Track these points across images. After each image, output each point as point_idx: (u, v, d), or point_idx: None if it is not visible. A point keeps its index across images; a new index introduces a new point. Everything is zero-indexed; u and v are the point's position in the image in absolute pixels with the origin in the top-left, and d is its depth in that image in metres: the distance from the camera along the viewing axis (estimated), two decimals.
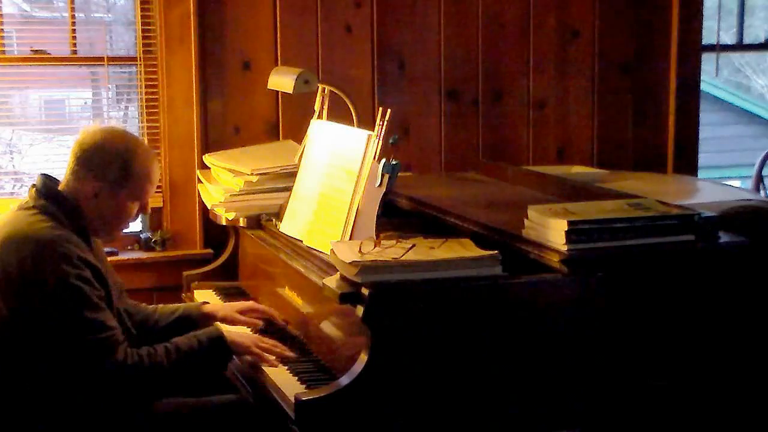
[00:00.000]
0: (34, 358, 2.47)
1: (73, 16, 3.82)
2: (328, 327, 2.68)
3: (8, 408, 2.50)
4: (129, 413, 2.56)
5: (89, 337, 2.44)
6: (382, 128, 2.73)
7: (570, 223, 2.33)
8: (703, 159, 4.69)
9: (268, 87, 3.46)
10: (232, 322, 2.89)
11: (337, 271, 2.38)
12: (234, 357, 2.68)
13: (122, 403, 2.53)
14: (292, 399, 2.27)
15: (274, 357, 2.62)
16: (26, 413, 2.50)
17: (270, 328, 2.93)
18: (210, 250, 3.85)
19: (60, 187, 2.64)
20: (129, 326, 2.69)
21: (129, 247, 3.90)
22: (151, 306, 3.02)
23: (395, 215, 2.96)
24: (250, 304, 3.01)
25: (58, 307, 2.44)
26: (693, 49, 4.46)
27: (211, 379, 2.76)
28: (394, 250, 2.37)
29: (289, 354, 2.67)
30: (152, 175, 2.70)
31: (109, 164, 2.62)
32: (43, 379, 2.48)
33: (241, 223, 3.37)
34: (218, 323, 2.87)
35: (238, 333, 2.73)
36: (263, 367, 2.61)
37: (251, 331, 2.88)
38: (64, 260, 2.46)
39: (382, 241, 2.44)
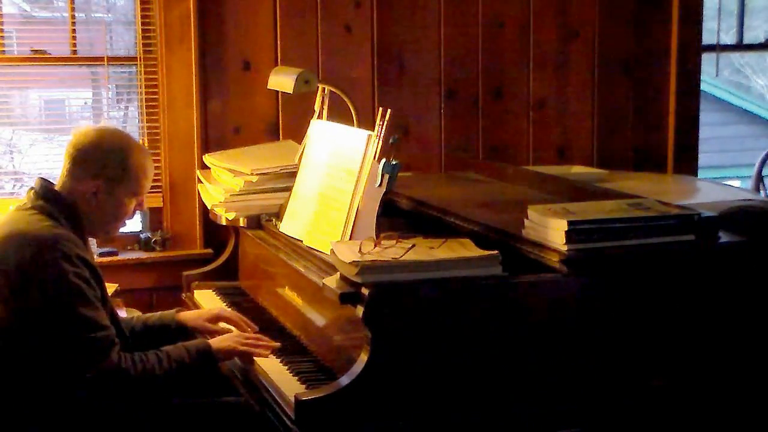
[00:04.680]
0: (32, 356, 2.47)
1: (73, 16, 3.82)
2: (328, 327, 2.68)
3: (7, 407, 2.50)
4: (128, 413, 2.56)
5: (85, 335, 2.45)
6: (382, 128, 2.73)
7: (570, 223, 2.33)
8: (703, 159, 4.69)
9: (268, 87, 3.46)
10: (203, 332, 2.88)
11: (337, 271, 2.38)
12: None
13: (111, 405, 2.52)
14: (292, 399, 2.27)
15: (262, 349, 2.65)
16: (24, 412, 2.49)
17: (270, 327, 2.93)
18: (210, 250, 3.85)
19: (56, 188, 2.64)
20: (123, 329, 2.69)
21: (129, 247, 3.90)
22: (135, 314, 3.03)
23: (395, 215, 2.96)
24: (217, 311, 2.97)
25: (55, 304, 2.44)
26: (693, 49, 4.46)
27: (211, 379, 2.78)
28: (394, 250, 2.37)
29: (275, 344, 2.70)
30: (148, 171, 2.71)
31: (107, 162, 2.63)
32: (40, 378, 2.47)
33: (241, 223, 3.37)
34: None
35: (221, 338, 2.73)
36: (263, 367, 2.61)
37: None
38: (63, 258, 2.46)
39: (382, 241, 2.44)
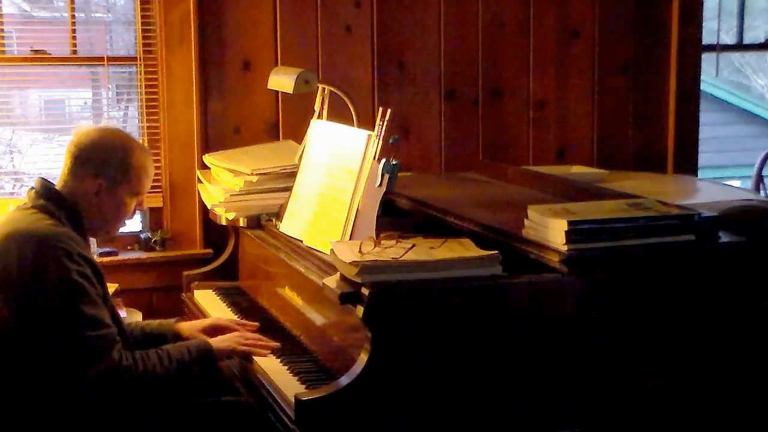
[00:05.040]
0: (34, 355, 2.47)
1: (73, 16, 3.82)
2: (328, 327, 2.68)
3: (7, 405, 2.50)
4: (128, 412, 2.56)
5: (87, 333, 2.45)
6: (382, 128, 2.73)
7: (570, 223, 2.33)
8: (703, 159, 4.69)
9: (268, 87, 3.46)
10: None
11: (337, 271, 2.38)
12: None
13: (112, 404, 2.52)
14: (292, 399, 2.27)
15: (261, 349, 2.67)
16: (25, 410, 2.50)
17: (270, 327, 2.93)
18: (210, 250, 3.85)
19: (57, 188, 2.64)
20: (124, 328, 2.69)
21: (129, 247, 3.90)
22: (135, 315, 3.04)
23: (395, 215, 2.96)
24: (214, 321, 2.96)
25: (58, 301, 2.44)
26: (693, 49, 4.46)
27: (211, 379, 2.78)
28: (394, 250, 2.37)
29: (274, 344, 2.71)
30: (149, 170, 2.73)
31: (109, 160, 2.64)
32: (42, 376, 2.47)
33: (241, 223, 3.38)
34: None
35: (221, 338, 2.75)
36: (263, 367, 2.61)
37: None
38: (65, 256, 2.46)
39: (382, 241, 2.44)
